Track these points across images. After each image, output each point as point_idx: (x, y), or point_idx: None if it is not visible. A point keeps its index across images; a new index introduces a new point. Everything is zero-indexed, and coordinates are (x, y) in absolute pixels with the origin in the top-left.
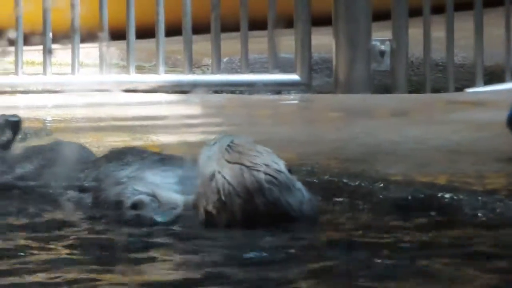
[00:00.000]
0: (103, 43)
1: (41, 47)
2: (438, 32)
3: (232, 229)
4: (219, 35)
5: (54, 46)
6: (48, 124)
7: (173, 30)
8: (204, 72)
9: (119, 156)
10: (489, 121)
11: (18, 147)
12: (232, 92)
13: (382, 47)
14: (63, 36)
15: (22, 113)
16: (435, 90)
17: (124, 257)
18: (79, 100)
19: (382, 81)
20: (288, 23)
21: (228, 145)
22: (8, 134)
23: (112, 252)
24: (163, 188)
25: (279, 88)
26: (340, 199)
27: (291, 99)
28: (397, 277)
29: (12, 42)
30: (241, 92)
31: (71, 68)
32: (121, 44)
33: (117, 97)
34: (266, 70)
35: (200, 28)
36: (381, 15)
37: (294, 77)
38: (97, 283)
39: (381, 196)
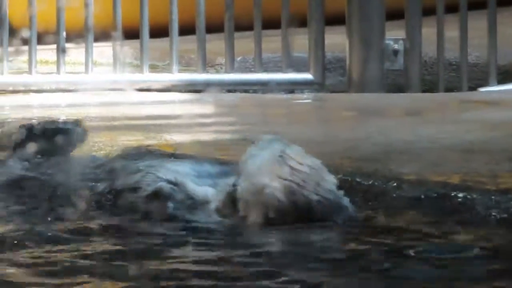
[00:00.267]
0: (117, 42)
1: (54, 46)
2: (452, 31)
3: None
4: (233, 34)
5: (67, 45)
6: None
7: (186, 29)
8: (217, 71)
9: (132, 154)
10: (503, 120)
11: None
12: (246, 91)
13: (396, 46)
14: (76, 35)
15: (35, 112)
16: (449, 89)
17: None
18: (93, 99)
19: (395, 80)
20: (301, 22)
21: (280, 156)
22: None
23: None
24: (188, 177)
25: (292, 87)
26: (354, 199)
27: (305, 98)
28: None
29: (25, 41)
30: (254, 91)
31: (85, 67)
32: (135, 43)
33: (130, 96)
34: (279, 69)
35: (213, 27)
36: (394, 14)
37: (308, 76)
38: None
39: (394, 195)
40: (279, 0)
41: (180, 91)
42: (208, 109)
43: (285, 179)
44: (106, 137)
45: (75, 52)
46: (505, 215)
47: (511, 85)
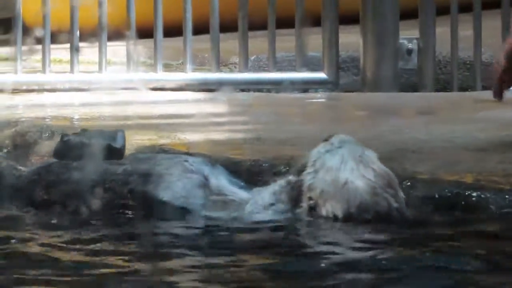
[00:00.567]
0: (131, 41)
1: (68, 45)
2: (466, 31)
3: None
4: (247, 33)
5: (81, 44)
6: (75, 122)
7: (200, 28)
8: (231, 71)
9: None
10: None
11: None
12: (259, 90)
13: (410, 46)
14: (90, 34)
15: (49, 111)
16: (462, 88)
17: None
18: (106, 98)
19: (409, 80)
20: (315, 21)
21: (361, 157)
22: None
23: None
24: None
25: (306, 86)
26: None
27: (318, 97)
28: None
29: (39, 40)
30: (268, 91)
31: (98, 66)
32: (149, 42)
33: (144, 95)
34: (293, 69)
35: (227, 26)
36: (408, 14)
37: (321, 75)
38: None
39: (408, 194)
40: None
41: (193, 90)
42: (222, 108)
43: (369, 179)
44: None
45: (88, 51)
46: None
47: None
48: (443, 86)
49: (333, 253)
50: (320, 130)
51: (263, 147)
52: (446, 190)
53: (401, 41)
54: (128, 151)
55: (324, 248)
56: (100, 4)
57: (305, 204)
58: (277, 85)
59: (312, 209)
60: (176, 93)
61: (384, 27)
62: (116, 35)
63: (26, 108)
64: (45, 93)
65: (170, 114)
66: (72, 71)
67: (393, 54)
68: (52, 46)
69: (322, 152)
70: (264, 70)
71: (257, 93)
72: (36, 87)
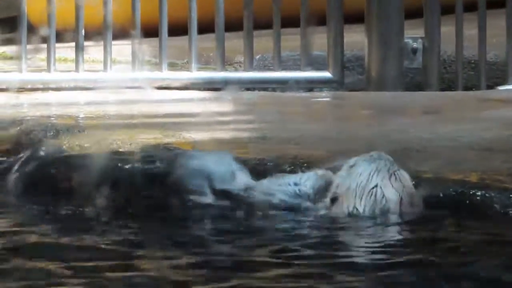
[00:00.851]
0: (136, 40)
1: (73, 44)
2: (470, 30)
3: None
4: (252, 32)
5: (86, 43)
6: (80, 121)
7: (205, 27)
8: (236, 70)
9: None
10: None
11: None
12: (264, 89)
13: (415, 45)
14: (95, 33)
15: (54, 110)
16: (467, 87)
17: None
18: (111, 97)
19: (414, 79)
20: (320, 20)
21: (394, 171)
22: None
23: None
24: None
25: (311, 85)
26: None
27: (323, 96)
28: None
29: (44, 39)
30: (273, 90)
31: (103, 65)
32: (154, 41)
33: (149, 94)
34: (298, 68)
35: (232, 26)
36: (413, 13)
37: (326, 74)
38: None
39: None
40: None
41: (198, 89)
42: (227, 107)
43: (397, 191)
44: (125, 135)
45: (93, 50)
46: None
47: None
48: (448, 85)
49: None
50: (325, 129)
51: (268, 146)
52: (451, 189)
53: (406, 40)
54: (133, 150)
55: None
56: (105, 3)
57: (328, 199)
58: (282, 84)
59: (333, 203)
60: (181, 92)
61: (389, 26)
62: (121, 34)
63: (31, 106)
64: (50, 92)
65: (175, 113)
66: (77, 70)
67: (398, 53)
68: (57, 45)
69: (360, 159)
70: (269, 69)
71: (262, 92)
72: (41, 86)
